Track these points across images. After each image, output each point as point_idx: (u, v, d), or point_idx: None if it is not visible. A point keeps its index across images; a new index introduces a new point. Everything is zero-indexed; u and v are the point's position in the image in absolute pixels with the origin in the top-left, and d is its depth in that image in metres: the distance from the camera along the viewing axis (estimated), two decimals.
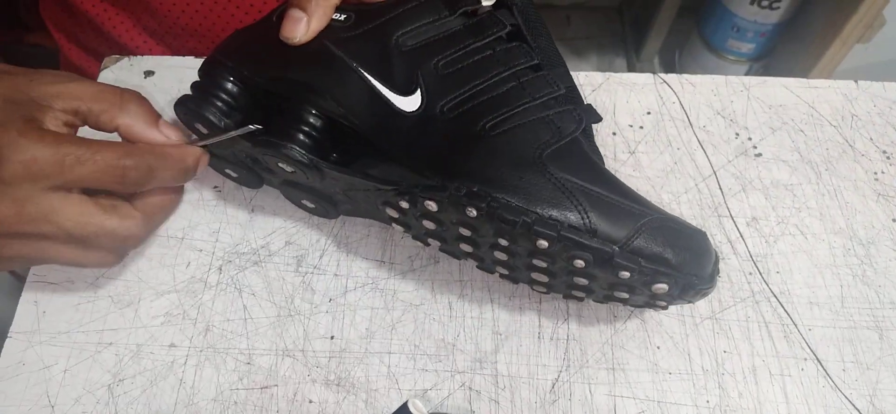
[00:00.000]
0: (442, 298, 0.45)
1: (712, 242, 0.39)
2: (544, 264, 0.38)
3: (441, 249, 0.43)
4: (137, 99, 0.37)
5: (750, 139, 0.52)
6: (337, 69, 0.40)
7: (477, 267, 0.43)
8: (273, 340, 0.43)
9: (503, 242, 0.37)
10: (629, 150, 0.51)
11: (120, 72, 0.54)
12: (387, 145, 0.39)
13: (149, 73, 0.54)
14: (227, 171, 0.46)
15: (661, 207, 0.38)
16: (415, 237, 0.43)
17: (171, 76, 0.54)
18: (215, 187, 0.49)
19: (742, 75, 0.55)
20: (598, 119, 0.41)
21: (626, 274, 0.36)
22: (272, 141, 0.40)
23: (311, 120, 0.40)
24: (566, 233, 0.35)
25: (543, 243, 0.35)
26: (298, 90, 0.40)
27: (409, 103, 0.39)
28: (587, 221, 0.36)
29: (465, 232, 0.38)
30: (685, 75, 0.55)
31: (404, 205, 0.39)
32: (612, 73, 0.55)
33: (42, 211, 0.33)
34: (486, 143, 0.38)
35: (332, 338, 0.43)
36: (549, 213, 0.36)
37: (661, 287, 0.36)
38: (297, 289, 0.45)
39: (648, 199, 0.39)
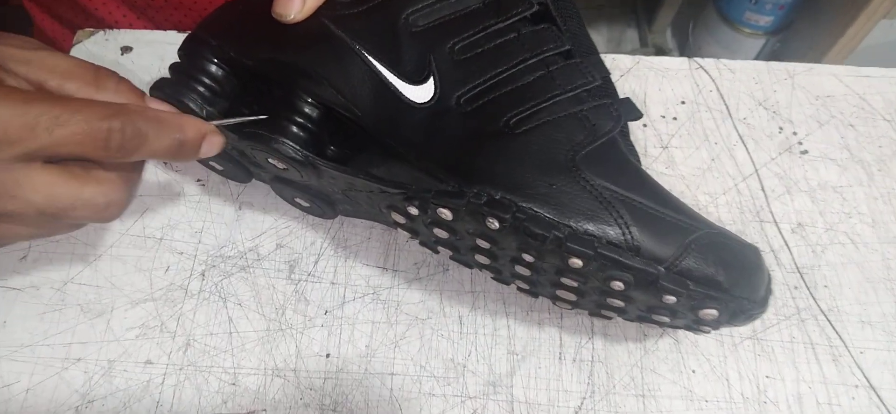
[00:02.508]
0: (451, 312, 0.41)
1: (764, 259, 0.34)
2: (575, 284, 0.33)
3: (452, 258, 0.38)
4: (115, 77, 0.32)
5: (795, 134, 0.47)
6: (337, 52, 0.35)
7: (492, 278, 0.39)
8: (261, 357, 0.39)
9: (528, 258, 0.33)
10: (662, 144, 0.46)
11: (94, 47, 0.49)
12: (394, 142, 0.35)
13: (126, 50, 0.49)
14: (212, 162, 0.41)
15: (700, 213, 0.34)
16: (422, 243, 0.39)
17: (150, 53, 0.49)
18: (198, 181, 0.45)
19: (758, 49, 0.50)
20: (638, 115, 0.36)
21: (671, 298, 0.31)
22: (261, 134, 0.35)
23: (306, 110, 0.36)
24: (604, 251, 0.30)
25: (577, 262, 0.31)
26: (292, 75, 0.36)
27: (421, 93, 0.35)
28: (629, 236, 0.31)
29: (483, 244, 0.34)
30: (723, 60, 0.50)
31: (413, 211, 0.34)
32: (643, 57, 0.50)
33: (5, 187, 0.27)
34: (510, 143, 0.33)
35: (327, 356, 0.39)
36: (585, 227, 0.31)
37: (711, 313, 0.32)
38: (288, 299, 0.41)
39: (684, 200, 0.34)
